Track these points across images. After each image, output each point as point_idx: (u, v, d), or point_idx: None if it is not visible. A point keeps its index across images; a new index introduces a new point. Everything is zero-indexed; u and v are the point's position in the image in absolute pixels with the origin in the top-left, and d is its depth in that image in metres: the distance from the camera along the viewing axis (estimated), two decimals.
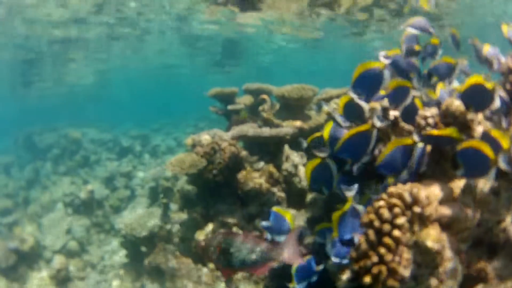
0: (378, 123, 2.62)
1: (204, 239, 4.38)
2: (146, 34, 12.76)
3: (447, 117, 2.57)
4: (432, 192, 2.37)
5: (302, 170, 4.78)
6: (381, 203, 2.23)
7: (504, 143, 2.21)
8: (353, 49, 16.12)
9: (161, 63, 19.89)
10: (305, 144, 3.24)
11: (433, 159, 2.63)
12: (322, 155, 3.01)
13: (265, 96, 5.63)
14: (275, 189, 4.68)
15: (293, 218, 3.08)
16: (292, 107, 5.44)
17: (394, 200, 2.20)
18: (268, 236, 3.02)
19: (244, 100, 6.36)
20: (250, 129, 4.91)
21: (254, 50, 17.05)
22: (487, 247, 2.44)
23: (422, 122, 2.65)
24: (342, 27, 11.87)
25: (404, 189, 2.23)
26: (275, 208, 3.09)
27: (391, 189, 2.27)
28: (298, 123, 5.05)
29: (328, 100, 5.36)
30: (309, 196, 4.70)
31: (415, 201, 2.20)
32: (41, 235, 8.44)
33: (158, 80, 29.61)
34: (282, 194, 4.68)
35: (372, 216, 2.22)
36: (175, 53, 17.01)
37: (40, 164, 12.79)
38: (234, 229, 4.58)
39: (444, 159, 2.57)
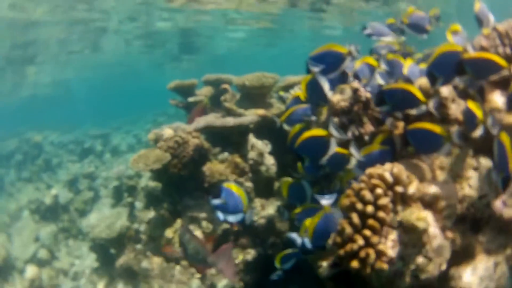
0: (334, 133, 2.52)
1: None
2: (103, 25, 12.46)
3: None
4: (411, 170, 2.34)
5: (268, 158, 4.73)
6: (362, 185, 2.17)
7: (479, 115, 2.20)
8: (312, 35, 16.14)
9: (118, 60, 19.54)
10: (279, 122, 3.20)
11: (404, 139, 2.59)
12: (298, 176, 3.06)
13: (226, 86, 5.54)
14: (242, 180, 4.61)
15: (246, 195, 2.80)
16: (253, 96, 5.36)
17: (375, 181, 2.15)
18: (220, 216, 2.66)
19: (205, 92, 6.25)
20: (215, 119, 4.82)
21: (211, 40, 16.87)
22: (471, 223, 2.42)
23: None
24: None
25: (385, 169, 2.18)
26: (226, 184, 2.72)
27: (371, 170, 2.22)
28: (261, 112, 4.99)
29: (290, 86, 5.32)
30: (277, 185, 4.66)
31: (397, 181, 2.16)
32: (11, 246, 8.17)
33: (115, 77, 29.21)
34: (250, 184, 4.62)
35: (353, 198, 2.16)
36: (132, 48, 16.74)
37: (3, 172, 12.42)
38: (204, 223, 4.50)
39: None
